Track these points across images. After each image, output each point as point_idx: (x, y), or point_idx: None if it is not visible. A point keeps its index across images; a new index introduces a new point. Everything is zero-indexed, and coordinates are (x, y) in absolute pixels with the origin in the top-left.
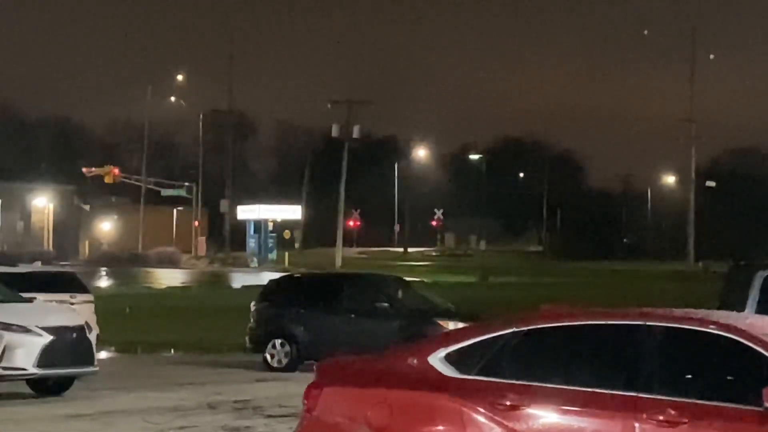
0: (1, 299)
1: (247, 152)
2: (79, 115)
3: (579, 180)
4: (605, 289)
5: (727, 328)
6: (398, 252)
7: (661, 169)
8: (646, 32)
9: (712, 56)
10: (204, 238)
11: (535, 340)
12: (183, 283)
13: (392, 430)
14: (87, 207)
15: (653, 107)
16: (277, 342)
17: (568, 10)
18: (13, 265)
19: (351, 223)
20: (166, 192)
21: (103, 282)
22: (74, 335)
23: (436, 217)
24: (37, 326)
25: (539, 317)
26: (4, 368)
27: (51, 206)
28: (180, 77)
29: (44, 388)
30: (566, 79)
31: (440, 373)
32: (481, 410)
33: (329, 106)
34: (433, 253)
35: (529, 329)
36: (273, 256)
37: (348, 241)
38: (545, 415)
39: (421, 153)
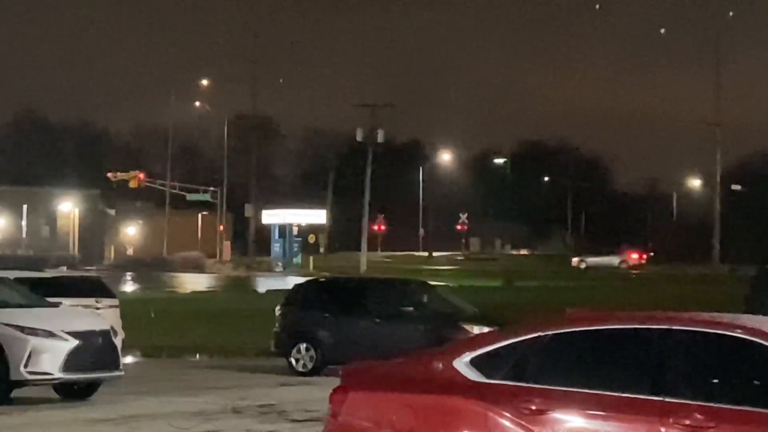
0: (27, 304)
1: (271, 156)
2: (104, 120)
3: (604, 183)
4: (630, 292)
5: (754, 331)
6: (423, 256)
7: (687, 173)
8: (663, 30)
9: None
10: (229, 243)
11: (560, 345)
12: (208, 287)
13: None
14: (112, 212)
15: (679, 110)
16: (302, 346)
17: (593, 12)
18: (39, 269)
19: (376, 227)
20: (191, 197)
21: (129, 286)
22: (100, 340)
23: (460, 221)
24: (62, 331)
25: (565, 321)
26: (31, 373)
27: (76, 211)
28: (204, 82)
29: (70, 392)
30: (591, 81)
31: (466, 378)
32: (507, 414)
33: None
34: (458, 257)
35: (554, 333)
36: (298, 260)
37: (373, 246)
38: (571, 419)
39: (445, 157)
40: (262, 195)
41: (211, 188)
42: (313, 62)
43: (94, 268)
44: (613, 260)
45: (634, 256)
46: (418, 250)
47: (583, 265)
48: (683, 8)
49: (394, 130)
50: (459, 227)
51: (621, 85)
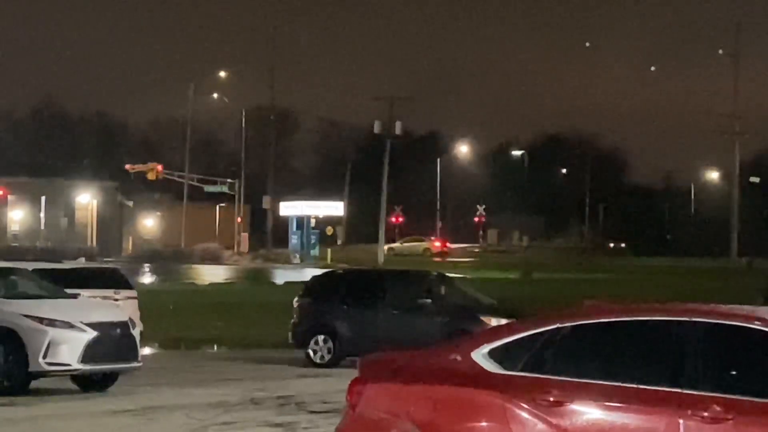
0: (46, 295)
1: (289, 149)
2: (122, 112)
3: (622, 176)
4: (648, 285)
5: None
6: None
7: (705, 165)
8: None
9: (587, 44)
10: (246, 235)
11: (578, 336)
12: (226, 279)
13: (436, 425)
14: (130, 203)
15: (697, 103)
16: (320, 338)
17: (610, 6)
18: (58, 261)
19: (394, 219)
20: (209, 188)
21: (147, 278)
22: (118, 331)
23: (478, 213)
24: (81, 322)
25: (583, 313)
26: (49, 364)
27: (94, 203)
28: (223, 74)
29: (88, 383)
30: (609, 74)
31: (484, 369)
32: (525, 406)
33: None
34: (476, 250)
35: (572, 325)
36: (315, 252)
37: (390, 238)
38: (589, 411)
39: (463, 149)
40: (280, 187)
41: (229, 180)
42: (331, 54)
43: (112, 259)
44: (419, 247)
45: (437, 244)
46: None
47: (391, 252)
48: (703, 1)
49: (412, 123)
50: (476, 219)
51: (639, 77)
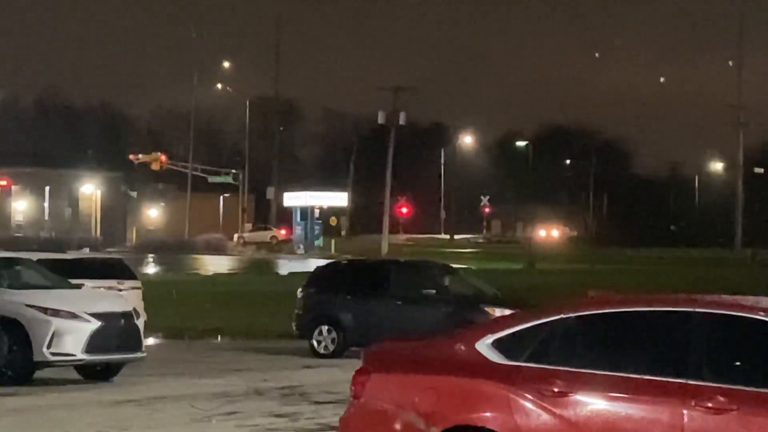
0: (50, 285)
1: (293, 139)
2: (126, 102)
3: (626, 167)
4: (653, 275)
5: None
6: (444, 239)
7: (709, 156)
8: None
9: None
10: (251, 225)
11: (583, 327)
12: (230, 269)
13: (440, 416)
14: (134, 194)
15: (701, 93)
16: (324, 328)
17: None
18: (62, 251)
19: (404, 209)
20: (213, 179)
21: (151, 268)
22: (122, 321)
23: (482, 204)
24: (85, 312)
25: (587, 304)
26: (53, 354)
27: (98, 193)
28: (226, 64)
29: (92, 373)
30: (614, 65)
31: (488, 360)
32: (529, 397)
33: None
34: (480, 240)
35: (577, 316)
36: (319, 242)
37: (394, 228)
38: (593, 401)
39: (467, 140)
40: (284, 177)
41: (233, 170)
42: (335, 45)
43: (116, 249)
44: (266, 235)
45: (283, 232)
46: (439, 233)
47: (241, 241)
48: None
49: (417, 113)
50: (487, 210)
51: (644, 68)
